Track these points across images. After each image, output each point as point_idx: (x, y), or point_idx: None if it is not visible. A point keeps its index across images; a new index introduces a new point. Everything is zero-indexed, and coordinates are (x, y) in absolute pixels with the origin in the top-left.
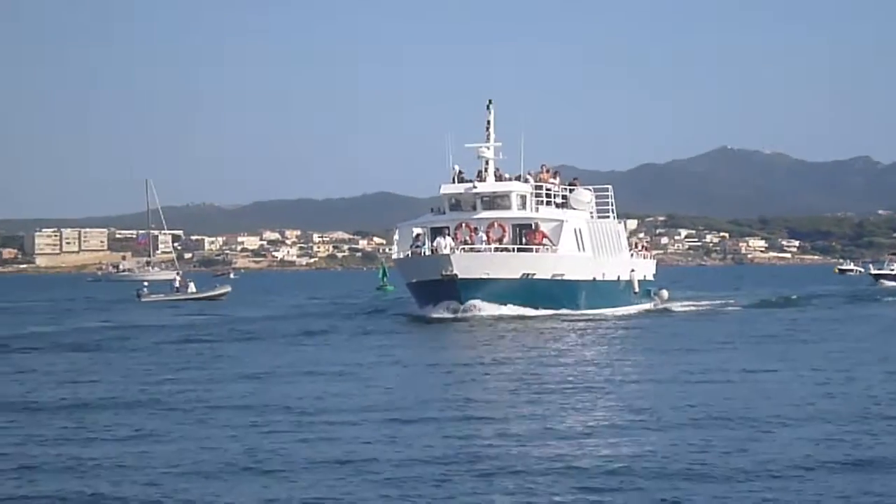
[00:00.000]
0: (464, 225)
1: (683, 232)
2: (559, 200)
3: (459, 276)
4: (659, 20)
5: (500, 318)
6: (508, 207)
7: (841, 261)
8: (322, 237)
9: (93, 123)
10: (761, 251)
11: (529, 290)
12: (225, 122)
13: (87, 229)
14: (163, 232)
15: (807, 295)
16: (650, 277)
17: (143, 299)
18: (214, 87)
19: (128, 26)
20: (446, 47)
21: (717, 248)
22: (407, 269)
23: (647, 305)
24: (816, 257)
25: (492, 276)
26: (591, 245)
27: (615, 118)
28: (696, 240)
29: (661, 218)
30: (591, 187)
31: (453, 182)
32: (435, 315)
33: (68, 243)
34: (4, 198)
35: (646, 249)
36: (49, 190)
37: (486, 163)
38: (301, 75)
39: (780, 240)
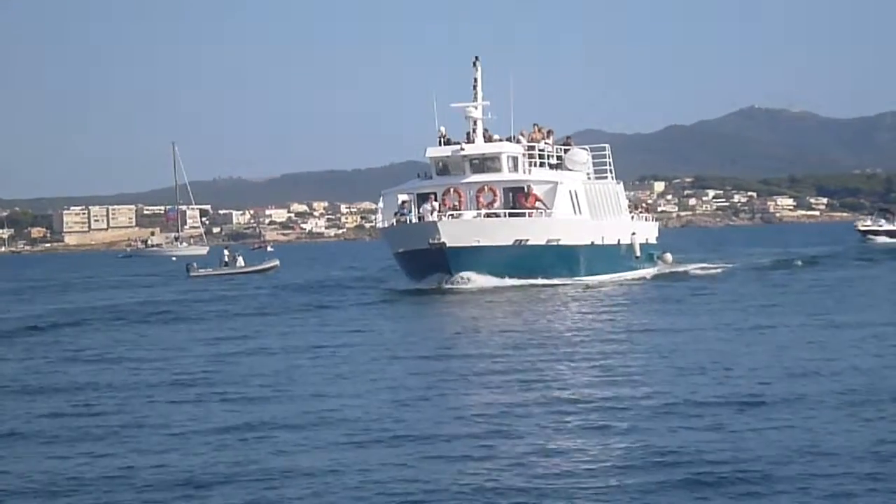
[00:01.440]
0: (452, 190)
1: (711, 193)
2: (553, 161)
3: (448, 245)
4: None
5: (494, 289)
6: (499, 170)
7: (862, 218)
8: (350, 208)
9: (118, 100)
10: (790, 210)
11: (523, 258)
12: (249, 94)
13: (115, 206)
14: (191, 207)
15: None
16: (652, 241)
17: (192, 274)
18: (238, 60)
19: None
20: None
21: (746, 208)
22: (392, 239)
23: (651, 270)
24: (846, 214)
25: (482, 243)
26: (588, 208)
27: (639, 79)
28: (724, 200)
29: (689, 179)
30: (586, 147)
31: (440, 145)
32: (422, 287)
33: (97, 221)
34: (32, 177)
35: (646, 211)
36: (76, 168)
37: (475, 123)
38: (323, 47)
39: (808, 198)
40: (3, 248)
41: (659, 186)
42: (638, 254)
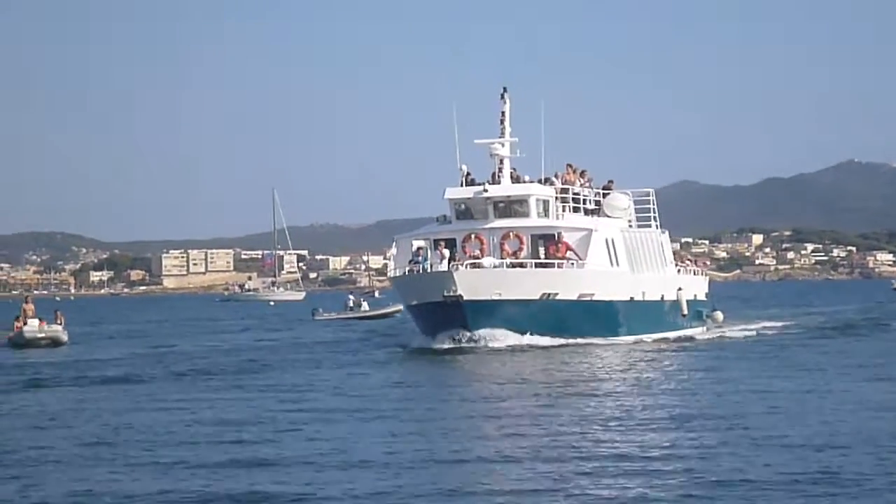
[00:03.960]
0: (473, 236)
1: (810, 246)
2: (590, 206)
3: (465, 298)
4: (774, 19)
5: (515, 348)
6: (527, 214)
7: None
8: None
9: (218, 145)
10: (889, 265)
11: (551, 314)
12: (345, 141)
13: (214, 250)
14: (288, 252)
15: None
16: (702, 297)
17: (316, 318)
18: (333, 109)
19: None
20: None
21: (844, 263)
22: (405, 289)
23: (699, 330)
24: None
25: (504, 297)
26: (627, 259)
27: (738, 131)
28: (822, 254)
29: (787, 232)
30: (628, 191)
31: (462, 186)
32: (437, 346)
33: (195, 264)
34: (133, 220)
35: (695, 264)
36: (175, 211)
37: (501, 162)
38: (415, 94)
39: None
40: (102, 290)
41: (757, 239)
42: (685, 311)
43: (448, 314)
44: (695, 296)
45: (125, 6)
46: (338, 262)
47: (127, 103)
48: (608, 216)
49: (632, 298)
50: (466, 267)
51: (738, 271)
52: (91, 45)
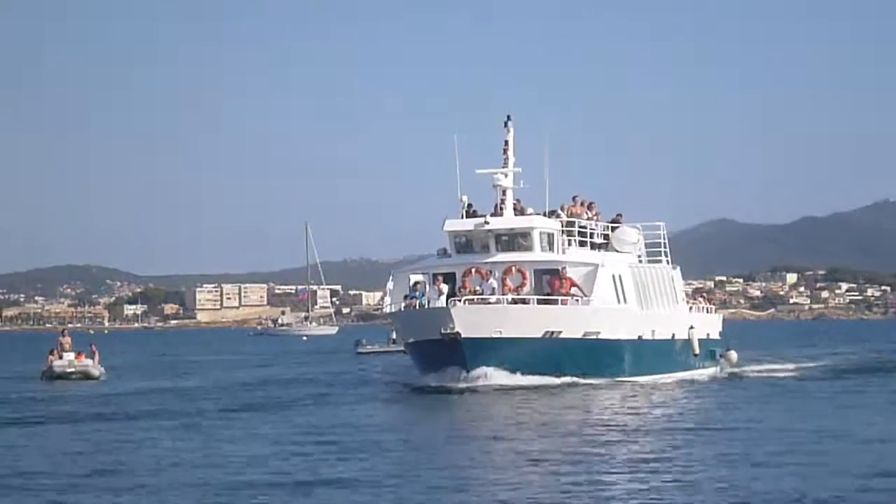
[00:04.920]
0: (473, 271)
1: (844, 286)
2: (598, 241)
3: (463, 336)
4: (815, 60)
5: (515, 389)
6: (530, 248)
7: None
8: None
9: (251, 178)
10: None
11: (554, 353)
12: (375, 175)
13: (248, 285)
14: (321, 287)
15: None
16: (715, 336)
17: (360, 350)
18: (364, 143)
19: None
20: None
21: (879, 302)
22: (401, 326)
23: (711, 370)
24: None
25: (505, 334)
26: (635, 295)
27: (774, 170)
28: (857, 294)
29: (822, 272)
30: (638, 225)
31: (463, 218)
32: (435, 384)
33: (229, 299)
34: (166, 255)
35: (709, 301)
36: (209, 246)
37: (504, 193)
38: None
39: None
40: (136, 324)
41: (791, 278)
42: (696, 351)
43: (445, 352)
44: (707, 335)
45: (166, 52)
46: (371, 297)
47: (162, 139)
48: (616, 251)
49: (640, 337)
50: (465, 303)
51: (771, 310)
52: (134, 89)
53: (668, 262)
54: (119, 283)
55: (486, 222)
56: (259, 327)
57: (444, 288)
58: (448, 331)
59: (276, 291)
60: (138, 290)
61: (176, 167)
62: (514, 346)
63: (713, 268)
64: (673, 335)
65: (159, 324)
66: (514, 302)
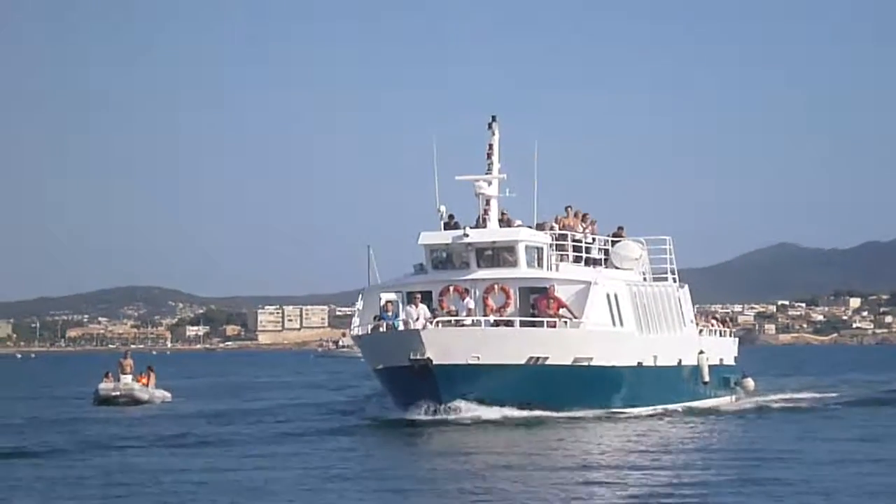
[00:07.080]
0: (451, 289)
1: None
2: (595, 256)
3: (435, 363)
4: (883, 83)
5: (495, 422)
6: (515, 264)
7: None
8: None
9: (316, 202)
10: None
11: (539, 382)
12: (433, 194)
13: (309, 306)
14: None
15: None
16: (730, 361)
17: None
18: (422, 164)
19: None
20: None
21: None
22: (368, 351)
23: (725, 399)
24: None
25: (483, 361)
26: (634, 317)
27: (839, 194)
28: None
29: (885, 296)
30: (642, 239)
31: (442, 230)
32: (409, 417)
33: (290, 320)
34: (229, 276)
35: (722, 323)
36: (271, 268)
37: (487, 202)
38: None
39: None
40: (197, 345)
41: (854, 303)
42: (706, 378)
43: (416, 382)
44: (720, 360)
45: (210, 85)
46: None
47: (224, 163)
48: (617, 267)
49: (640, 363)
50: (438, 326)
51: (834, 335)
52: (196, 112)
53: (674, 279)
54: (181, 305)
55: (466, 234)
56: (320, 349)
57: (424, 308)
58: (418, 356)
59: (338, 313)
60: (200, 311)
61: (240, 189)
62: (492, 374)
63: (776, 292)
64: (679, 361)
65: (221, 345)
66: (496, 324)
